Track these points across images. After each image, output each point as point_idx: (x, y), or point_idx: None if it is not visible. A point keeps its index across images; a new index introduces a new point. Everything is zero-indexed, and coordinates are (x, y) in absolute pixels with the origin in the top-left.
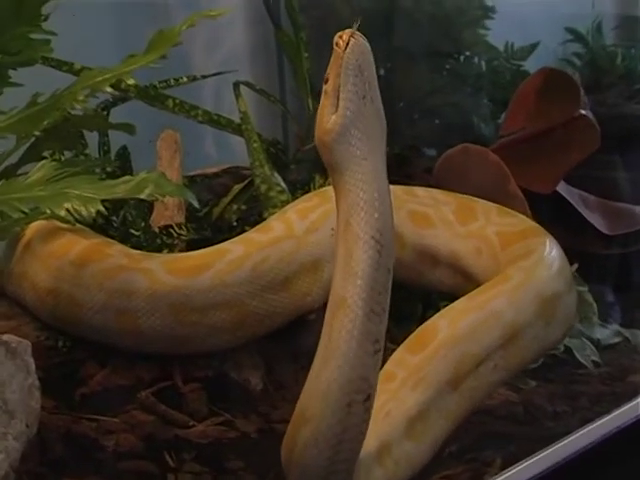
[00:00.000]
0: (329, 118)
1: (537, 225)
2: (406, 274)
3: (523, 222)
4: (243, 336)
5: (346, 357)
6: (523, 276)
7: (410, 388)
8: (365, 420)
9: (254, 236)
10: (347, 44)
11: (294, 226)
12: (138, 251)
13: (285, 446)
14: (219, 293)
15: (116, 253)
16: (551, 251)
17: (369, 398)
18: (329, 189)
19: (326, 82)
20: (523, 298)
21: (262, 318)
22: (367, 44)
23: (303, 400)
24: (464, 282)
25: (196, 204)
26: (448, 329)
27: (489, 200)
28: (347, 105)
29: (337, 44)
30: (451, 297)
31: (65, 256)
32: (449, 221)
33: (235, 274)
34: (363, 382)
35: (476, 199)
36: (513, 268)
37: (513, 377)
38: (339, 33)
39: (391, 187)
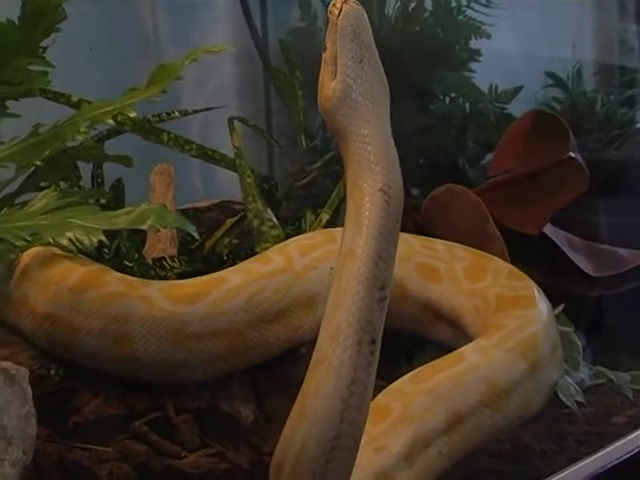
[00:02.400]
0: (329, 85)
1: (536, 295)
2: (406, 325)
3: (525, 288)
4: (237, 364)
5: (354, 300)
6: (475, 359)
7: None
8: (371, 363)
9: (253, 266)
10: (340, 10)
11: (293, 261)
12: (136, 278)
13: (301, 394)
14: (216, 320)
15: (114, 280)
16: (528, 327)
17: (374, 342)
18: (336, 230)
19: (325, 50)
20: (470, 383)
21: (256, 347)
22: (361, 9)
23: (317, 345)
24: (461, 337)
25: (196, 235)
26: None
27: (470, 239)
28: (345, 70)
29: (331, 12)
30: (447, 349)
31: (63, 282)
32: (457, 277)
33: (232, 302)
34: (369, 325)
35: (495, 258)
36: (467, 350)
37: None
38: (333, 2)
39: (409, 237)
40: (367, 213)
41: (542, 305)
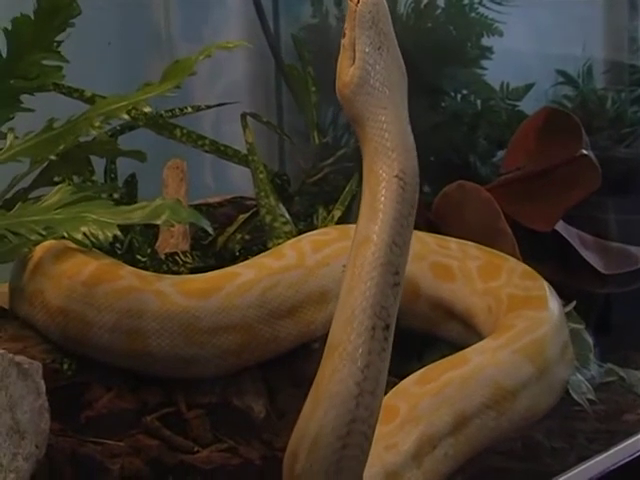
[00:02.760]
0: (347, 71)
1: (548, 295)
2: (419, 323)
3: (537, 289)
4: (249, 359)
5: (368, 286)
6: (481, 361)
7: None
8: (385, 349)
9: (266, 261)
10: None
11: (306, 257)
12: (149, 272)
13: (316, 382)
14: (228, 315)
15: (127, 274)
16: (538, 328)
17: (388, 328)
18: (350, 227)
19: (343, 36)
20: (474, 386)
21: (267, 342)
22: None
23: (331, 331)
24: (474, 336)
25: (210, 230)
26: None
27: (481, 236)
28: (363, 57)
29: None
30: (458, 347)
31: (77, 276)
32: (471, 276)
33: (244, 297)
34: (383, 310)
35: (509, 258)
36: (474, 351)
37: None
38: None
39: (424, 236)
40: (382, 199)
41: (553, 306)
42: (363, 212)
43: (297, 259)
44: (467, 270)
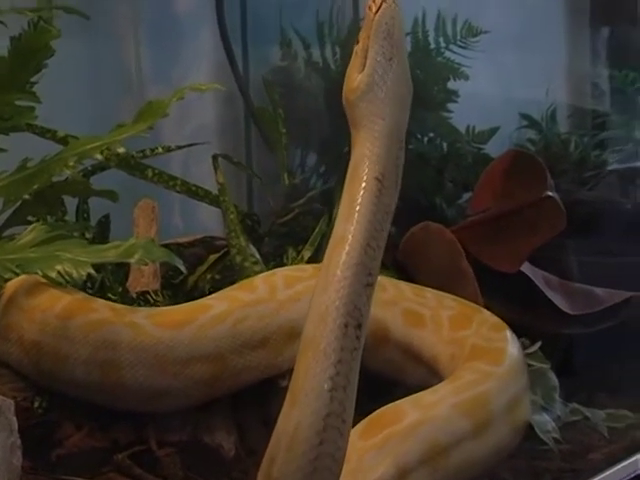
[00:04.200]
0: (355, 77)
1: (507, 349)
2: (386, 368)
3: (499, 340)
4: (221, 388)
5: (343, 284)
6: (419, 415)
7: None
8: (357, 348)
9: (237, 294)
10: (379, 8)
11: (277, 291)
12: (122, 305)
13: (292, 381)
14: (202, 345)
15: (101, 307)
16: (483, 383)
17: (360, 327)
18: None
19: (357, 43)
20: (412, 441)
21: (239, 372)
22: (398, 10)
23: (304, 329)
24: (437, 383)
25: (183, 269)
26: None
27: (444, 275)
28: (374, 65)
29: (369, 7)
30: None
31: (50, 309)
32: (441, 325)
33: (217, 329)
34: (356, 309)
35: (483, 310)
36: (414, 403)
37: None
38: None
39: (402, 284)
40: (360, 200)
41: (509, 360)
42: (341, 212)
43: (269, 293)
44: (438, 318)
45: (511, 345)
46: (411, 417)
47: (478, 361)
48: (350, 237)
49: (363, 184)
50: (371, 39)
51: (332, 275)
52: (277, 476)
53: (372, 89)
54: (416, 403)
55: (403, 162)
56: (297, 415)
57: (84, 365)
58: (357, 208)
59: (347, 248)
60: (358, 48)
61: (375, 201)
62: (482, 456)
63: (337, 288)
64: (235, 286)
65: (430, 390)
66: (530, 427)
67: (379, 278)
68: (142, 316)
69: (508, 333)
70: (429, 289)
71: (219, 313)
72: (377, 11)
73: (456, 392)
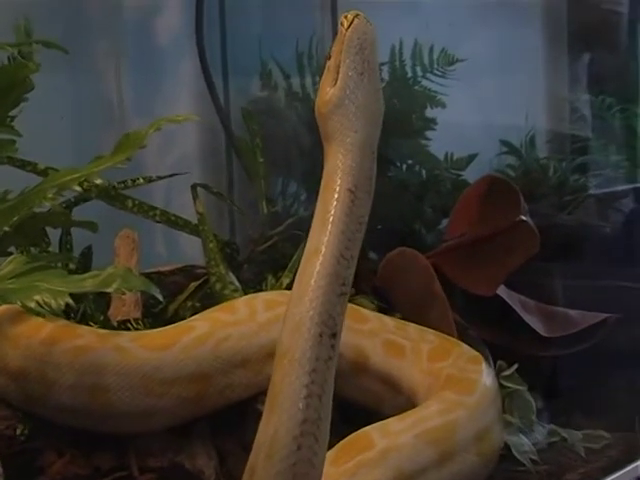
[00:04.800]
0: (327, 90)
1: (479, 380)
2: (365, 397)
3: (473, 372)
4: (206, 406)
5: (317, 295)
6: (386, 444)
7: None
8: (332, 357)
9: (219, 315)
10: (351, 23)
11: (257, 314)
12: (105, 330)
13: (270, 390)
14: (186, 366)
15: (85, 332)
16: (450, 413)
17: (335, 336)
18: None
19: (328, 58)
20: (380, 469)
21: (223, 390)
22: (371, 26)
23: (279, 339)
24: None
25: (160, 298)
26: None
27: (419, 299)
28: (345, 80)
29: (342, 23)
30: None
31: (35, 336)
32: (420, 356)
33: (200, 349)
34: (330, 318)
35: (462, 344)
36: (377, 429)
37: None
38: (344, 14)
39: (386, 318)
40: (333, 211)
41: (481, 391)
42: (315, 224)
43: (249, 314)
44: (418, 350)
45: (484, 376)
46: (380, 445)
47: (449, 391)
48: (323, 248)
49: (336, 195)
50: (343, 54)
51: (306, 285)
52: None
53: (344, 103)
54: (384, 431)
55: (375, 173)
56: (275, 422)
57: (71, 390)
58: (330, 219)
59: (321, 259)
60: (330, 63)
61: (348, 212)
62: None
63: (311, 298)
64: (217, 307)
65: (397, 418)
66: (507, 448)
67: (363, 310)
68: (127, 339)
69: (484, 365)
70: (412, 324)
71: (202, 334)
72: (349, 27)
73: (423, 421)
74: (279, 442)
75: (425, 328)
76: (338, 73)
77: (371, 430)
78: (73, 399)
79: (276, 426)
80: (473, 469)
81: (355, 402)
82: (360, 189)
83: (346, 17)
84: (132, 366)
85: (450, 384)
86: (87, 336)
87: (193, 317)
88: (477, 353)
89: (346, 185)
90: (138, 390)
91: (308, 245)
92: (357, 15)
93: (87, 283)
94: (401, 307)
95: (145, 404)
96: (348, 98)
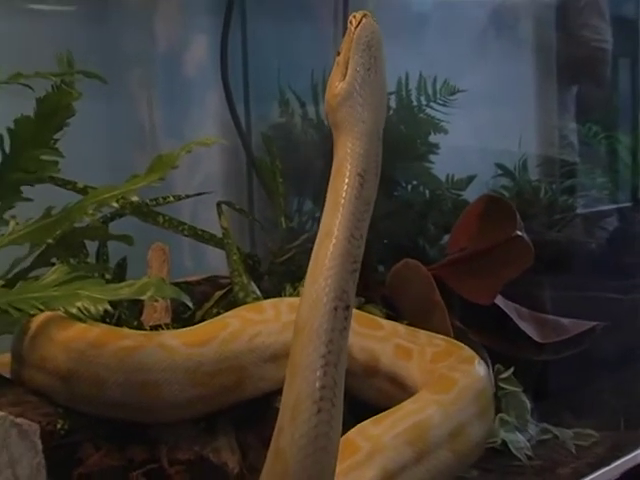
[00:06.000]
0: (337, 84)
1: (459, 379)
2: (379, 396)
3: (459, 371)
4: (242, 395)
5: (330, 272)
6: (370, 447)
7: None
8: (346, 327)
9: (248, 314)
10: (359, 23)
11: (282, 315)
12: (145, 331)
13: (289, 363)
14: (226, 358)
15: (130, 334)
16: (423, 411)
17: (348, 308)
18: None
19: (338, 55)
20: (368, 468)
21: (257, 381)
22: (377, 26)
23: (297, 314)
24: None
25: (190, 305)
26: None
27: (421, 306)
28: (354, 74)
29: (351, 22)
30: None
31: (84, 339)
32: (425, 358)
33: (236, 343)
34: (344, 293)
35: (465, 347)
36: (364, 436)
37: None
38: (354, 14)
39: (399, 326)
40: (344, 194)
41: (458, 390)
42: (327, 207)
43: (274, 316)
44: (423, 353)
45: (467, 375)
46: (365, 448)
47: (427, 389)
48: (336, 230)
49: (346, 180)
50: (351, 51)
51: (321, 265)
52: (284, 444)
53: (352, 95)
54: (365, 435)
55: (381, 158)
56: (296, 388)
57: (122, 387)
58: (342, 202)
59: (334, 240)
60: (340, 59)
61: (358, 195)
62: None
63: (326, 276)
64: (246, 307)
65: (373, 420)
66: (504, 445)
67: (379, 319)
68: (170, 337)
69: (474, 366)
70: (424, 331)
71: (235, 330)
72: (357, 26)
73: (399, 421)
74: (301, 406)
75: (435, 334)
76: (347, 68)
77: (354, 436)
78: (125, 395)
79: (298, 391)
80: (447, 465)
81: (368, 400)
82: (368, 173)
83: (355, 17)
84: (178, 361)
85: (433, 383)
86: (133, 337)
87: (224, 315)
88: (474, 354)
89: (356, 170)
90: (185, 383)
91: (321, 227)
92: (365, 15)
93: (124, 291)
94: (406, 314)
95: (191, 395)
96: (356, 91)
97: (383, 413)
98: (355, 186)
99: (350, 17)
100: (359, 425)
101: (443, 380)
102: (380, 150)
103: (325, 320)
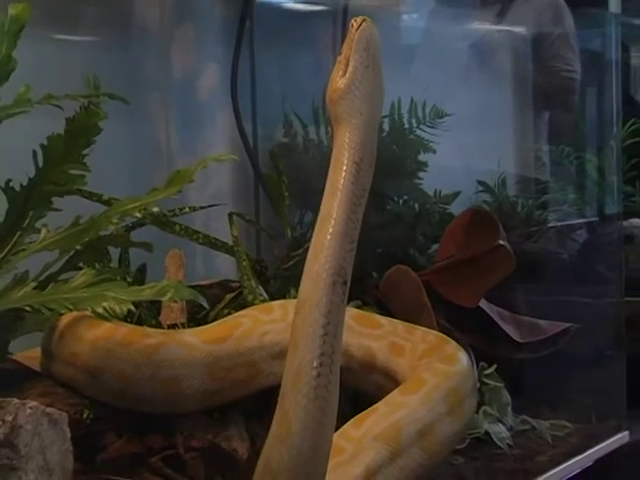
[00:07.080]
0: (338, 79)
1: (428, 380)
2: (376, 390)
3: (428, 371)
4: (253, 388)
5: (330, 251)
6: (354, 449)
7: None
8: (343, 301)
9: (256, 314)
10: (359, 26)
11: (289, 315)
12: (167, 330)
13: (291, 334)
14: (241, 354)
15: (154, 333)
16: (395, 413)
17: (345, 284)
18: None
19: (340, 54)
20: (352, 468)
21: (268, 375)
22: (375, 29)
23: (300, 290)
24: None
25: (206, 306)
26: None
27: (410, 308)
28: (354, 71)
29: (352, 25)
30: None
31: (112, 338)
32: (415, 355)
33: (249, 340)
34: (342, 269)
35: (452, 342)
36: (346, 439)
37: None
38: (354, 18)
39: (398, 323)
40: (342, 180)
41: (424, 391)
42: (326, 192)
43: (282, 316)
44: (415, 350)
45: (436, 375)
46: (349, 450)
47: (399, 391)
48: (334, 213)
49: (344, 167)
50: (352, 50)
51: (321, 244)
52: (288, 405)
53: (351, 90)
54: (348, 438)
55: (376, 147)
56: (298, 356)
57: (148, 383)
58: (340, 188)
59: (333, 222)
60: (341, 58)
61: (354, 181)
62: (400, 478)
63: (326, 255)
64: (257, 307)
65: (353, 424)
66: (487, 435)
67: (379, 318)
68: (189, 335)
69: (449, 365)
70: (422, 328)
71: (248, 328)
72: (358, 28)
73: (375, 424)
74: (302, 372)
75: (432, 331)
76: (347, 66)
77: (337, 440)
78: (151, 390)
79: (299, 360)
80: (418, 462)
81: (365, 393)
82: (364, 161)
83: (355, 20)
84: (198, 357)
85: (405, 383)
86: (156, 335)
87: (237, 314)
88: (456, 351)
89: (353, 158)
90: (204, 377)
91: (321, 210)
92: (365, 19)
93: (146, 292)
94: (398, 315)
95: (209, 388)
96: (355, 86)
97: (361, 415)
98: (352, 173)
99: (351, 21)
100: (341, 429)
101: (414, 381)
102: (375, 140)
103: (324, 294)
